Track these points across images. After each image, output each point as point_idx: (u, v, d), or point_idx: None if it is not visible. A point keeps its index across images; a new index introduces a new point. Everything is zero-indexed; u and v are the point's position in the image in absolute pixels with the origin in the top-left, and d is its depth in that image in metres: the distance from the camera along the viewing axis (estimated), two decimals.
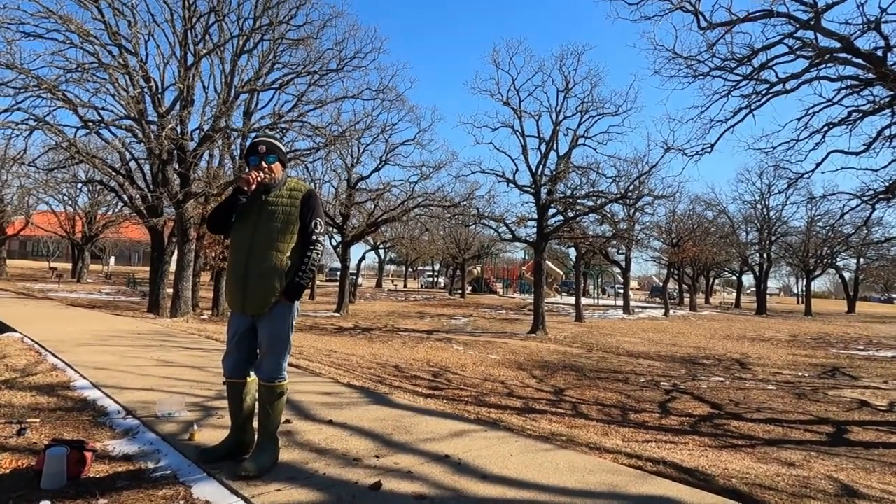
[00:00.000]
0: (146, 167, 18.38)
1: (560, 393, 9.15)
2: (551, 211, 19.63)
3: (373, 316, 23.17)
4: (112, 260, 46.99)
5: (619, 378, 11.10)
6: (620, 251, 30.62)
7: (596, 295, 45.58)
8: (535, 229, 19.67)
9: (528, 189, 19.57)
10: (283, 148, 3.28)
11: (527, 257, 46.37)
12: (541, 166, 19.22)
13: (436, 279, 56.88)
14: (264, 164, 3.09)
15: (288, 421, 3.96)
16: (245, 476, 2.87)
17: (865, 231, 28.98)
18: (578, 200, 19.92)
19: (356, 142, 21.90)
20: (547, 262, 30.47)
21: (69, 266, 38.42)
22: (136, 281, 30.43)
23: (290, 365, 7.00)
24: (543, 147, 19.45)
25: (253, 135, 15.35)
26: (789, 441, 6.97)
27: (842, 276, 45.58)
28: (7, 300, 15.53)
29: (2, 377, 5.32)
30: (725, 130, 10.57)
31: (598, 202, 19.83)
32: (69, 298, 19.54)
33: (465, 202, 23.88)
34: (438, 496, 2.77)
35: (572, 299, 29.34)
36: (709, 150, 10.89)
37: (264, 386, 3.06)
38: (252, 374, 3.17)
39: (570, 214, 20.19)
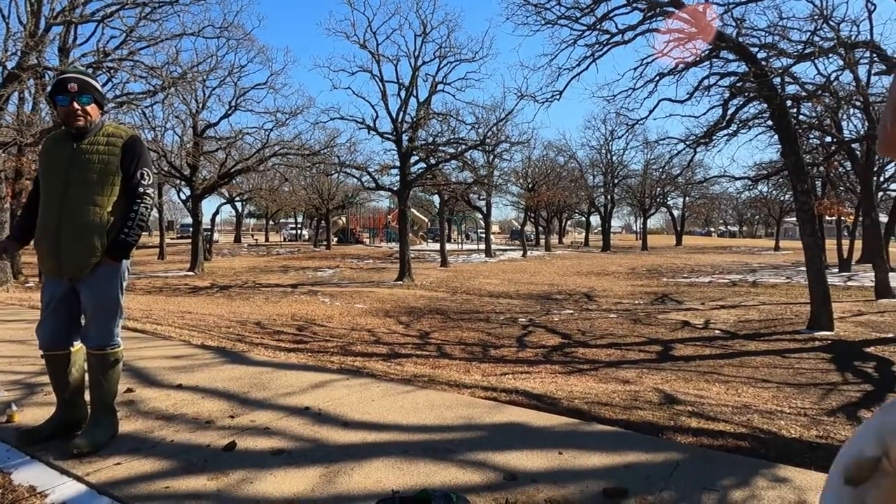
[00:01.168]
0: None
1: (425, 336, 9.42)
2: (413, 158, 19.67)
3: (232, 273, 22.00)
4: None
5: (481, 318, 11.67)
6: (481, 197, 31.74)
7: (460, 240, 47.14)
8: (398, 177, 19.66)
9: (390, 136, 19.38)
10: (98, 86, 2.81)
11: (392, 206, 46.43)
12: (401, 113, 19.06)
13: (299, 231, 55.15)
14: (76, 104, 2.66)
15: (130, 390, 3.65)
16: (78, 454, 2.61)
17: (690, 172, 32.59)
18: (440, 147, 20.15)
19: (200, 85, 20.10)
20: (411, 209, 30.74)
21: None
22: None
23: (136, 330, 6.46)
24: (403, 93, 19.25)
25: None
26: (626, 361, 7.84)
27: (671, 214, 51.27)
28: None
29: None
30: (572, 78, 11.17)
31: (459, 149, 20.21)
32: None
33: (325, 150, 23.11)
34: (297, 448, 2.73)
35: (437, 246, 30.05)
36: (558, 97, 11.45)
37: (94, 355, 2.77)
38: (76, 343, 2.85)
39: (432, 161, 20.39)
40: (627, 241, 60.34)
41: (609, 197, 41.81)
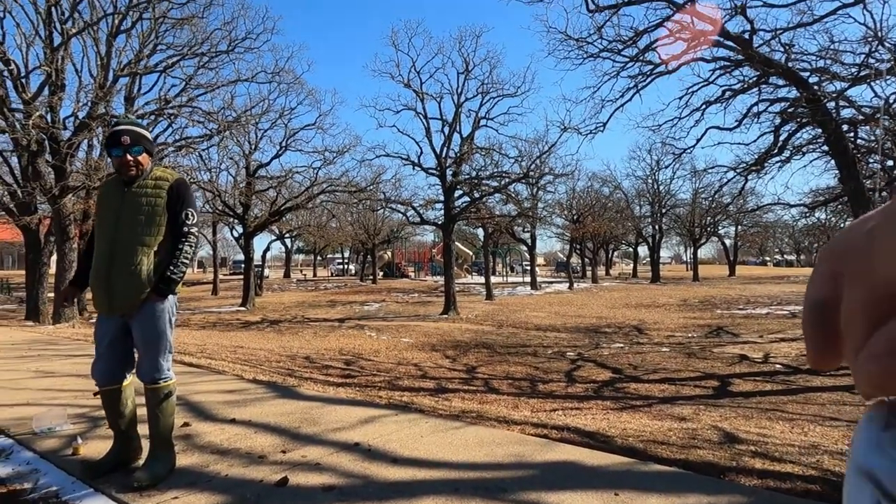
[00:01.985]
0: (14, 160, 16.63)
1: (472, 371, 9.34)
2: (457, 192, 19.87)
3: (281, 308, 22.49)
4: None
5: (528, 352, 11.50)
6: (526, 229, 31.64)
7: (505, 273, 46.92)
8: (442, 211, 19.85)
9: (434, 171, 19.67)
10: (148, 136, 3.01)
11: (436, 239, 46.78)
12: (445, 148, 19.36)
13: (346, 266, 56.09)
14: (129, 156, 2.85)
15: (186, 424, 3.75)
16: (138, 487, 2.68)
17: (741, 201, 31.69)
18: (483, 181, 20.30)
19: (253, 127, 20.99)
20: (456, 243, 30.89)
21: None
22: (10, 286, 27.64)
23: (191, 365, 6.65)
24: (447, 129, 19.59)
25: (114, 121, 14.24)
26: (681, 397, 7.54)
27: (723, 243, 49.80)
28: None
29: None
30: (616, 109, 11.13)
31: (502, 182, 20.31)
32: None
33: (371, 187, 23.63)
34: (347, 485, 2.73)
35: (482, 279, 30.00)
36: (601, 128, 11.42)
37: (149, 389, 2.87)
38: (128, 377, 2.98)
39: (476, 195, 20.54)
40: (677, 272, 58.78)
41: (657, 227, 40.99)
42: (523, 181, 21.33)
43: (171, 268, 2.82)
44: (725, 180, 14.70)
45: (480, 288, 28.96)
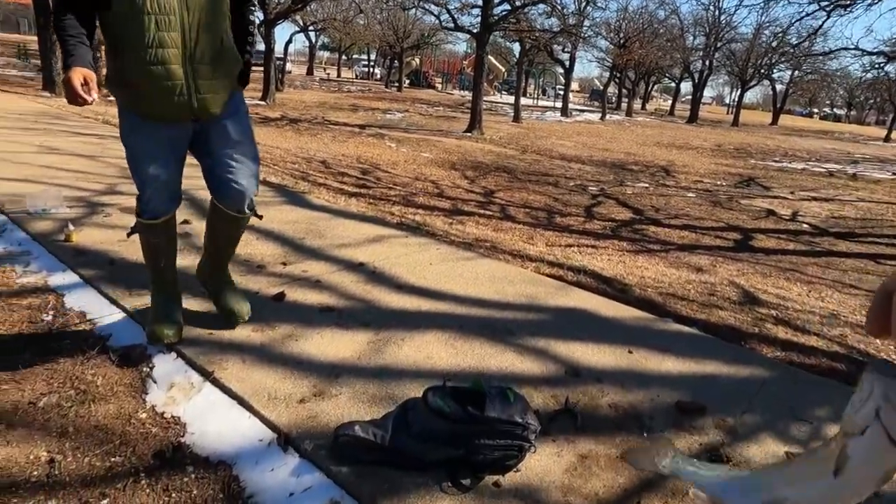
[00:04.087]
0: None
1: (490, 195, 9.10)
2: None
3: (302, 106, 21.78)
4: None
5: (549, 181, 11.16)
6: (566, 49, 29.25)
7: (536, 95, 44.66)
8: (479, 18, 18.07)
9: None
10: None
11: (469, 51, 43.80)
12: None
13: (372, 69, 53.57)
14: None
15: (186, 221, 3.57)
16: (239, 321, 2.30)
17: (807, 43, 28.69)
18: None
19: None
20: (489, 56, 28.84)
21: None
22: (27, 52, 26.70)
23: None
24: None
25: None
26: (700, 246, 7.34)
27: (773, 88, 46.34)
28: None
29: None
30: None
31: None
32: None
33: None
34: (347, 308, 2.58)
35: (512, 98, 28.55)
36: None
37: (239, 217, 2.17)
38: None
39: (518, 3, 18.52)
40: (717, 114, 55.87)
41: (707, 62, 37.84)
42: None
43: (248, 47, 2.09)
44: (802, 14, 12.93)
45: (508, 108, 27.72)
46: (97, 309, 2.41)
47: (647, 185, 12.11)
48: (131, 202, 2.17)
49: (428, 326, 2.47)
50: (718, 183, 13.46)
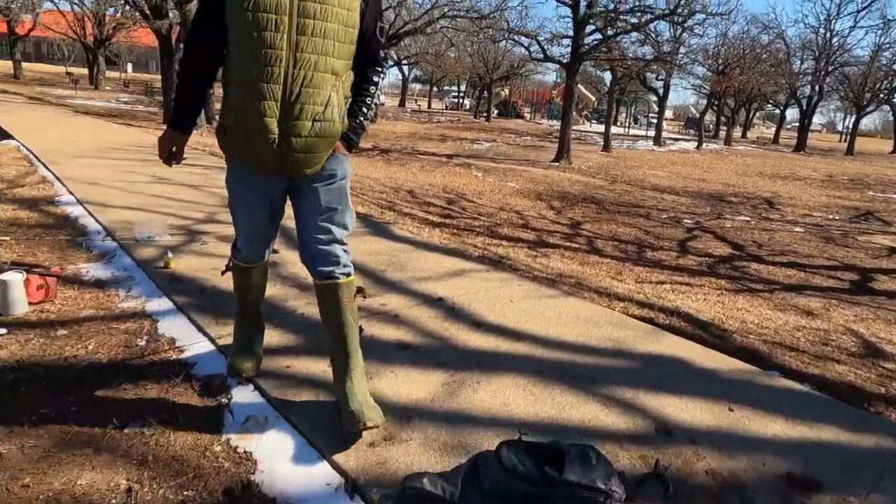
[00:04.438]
0: None
1: (577, 226, 8.86)
2: (589, 28, 17.73)
3: (393, 137, 22.49)
4: (129, 67, 45.48)
5: (640, 213, 10.72)
6: (659, 77, 28.44)
7: (627, 124, 43.62)
8: (569, 48, 17.97)
9: (566, 0, 17.49)
10: None
11: (559, 80, 43.71)
12: None
13: (461, 100, 54.65)
14: None
15: (275, 251, 3.68)
16: (368, 427, 1.82)
17: None
18: (621, 16, 17.87)
19: None
20: (579, 86, 28.60)
21: (86, 72, 37.25)
22: (152, 90, 29.54)
23: None
24: None
25: None
26: (809, 287, 6.72)
27: (895, 114, 42.52)
28: (17, 106, 15.12)
29: None
30: None
31: (643, 19, 17.78)
32: (85, 106, 19.05)
33: (495, 14, 21.74)
34: (423, 345, 2.52)
35: (602, 127, 28.05)
36: None
37: (333, 285, 1.92)
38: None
39: (610, 32, 18.26)
40: (828, 142, 52.02)
41: (817, 88, 35.43)
42: (668, 19, 18.56)
43: (364, 109, 1.92)
44: None
45: (598, 137, 27.21)
46: (186, 336, 2.50)
47: (748, 218, 11.35)
48: (228, 231, 2.24)
49: (506, 369, 2.36)
50: (831, 217, 12.39)
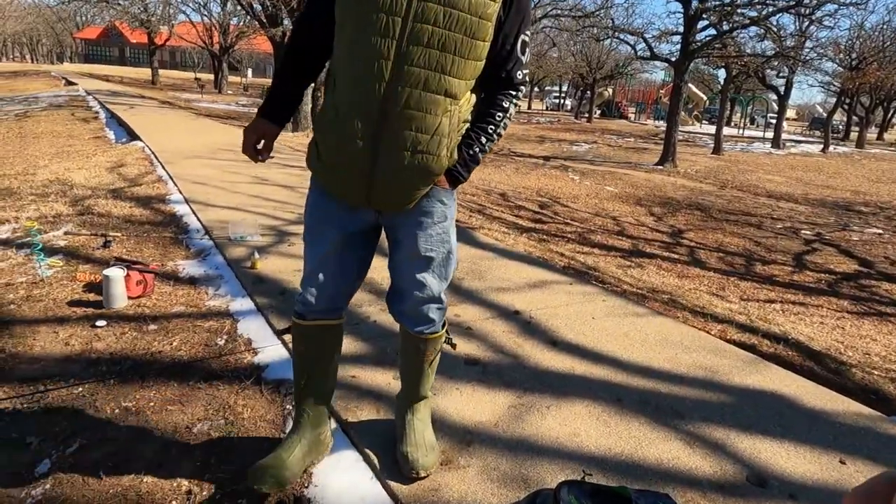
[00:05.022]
0: None
1: (678, 235, 8.32)
2: (701, 23, 16.67)
3: None
4: (249, 72, 48.86)
5: (751, 222, 9.91)
6: (781, 73, 26.26)
7: (742, 124, 40.73)
8: (679, 45, 17.02)
9: None
10: None
11: (667, 79, 41.64)
12: None
13: (562, 101, 53.57)
14: None
15: None
16: (419, 477, 1.69)
17: None
18: (738, 9, 16.62)
19: None
20: (689, 84, 27.06)
21: (212, 77, 40.48)
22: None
23: None
24: None
25: None
26: None
27: None
28: (148, 109, 16.63)
29: (112, 186, 5.59)
30: None
31: (764, 12, 16.44)
32: (208, 109, 20.63)
33: (599, 12, 21.04)
34: (493, 362, 2.41)
35: (713, 128, 26.35)
36: None
37: (420, 339, 1.69)
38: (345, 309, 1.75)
39: (725, 27, 17.06)
40: None
41: None
42: (793, 11, 17.04)
43: (483, 139, 1.52)
44: None
45: (708, 139, 25.61)
46: (262, 338, 2.55)
47: (880, 230, 10.16)
48: None
49: (579, 394, 2.19)
50: None
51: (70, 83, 25.62)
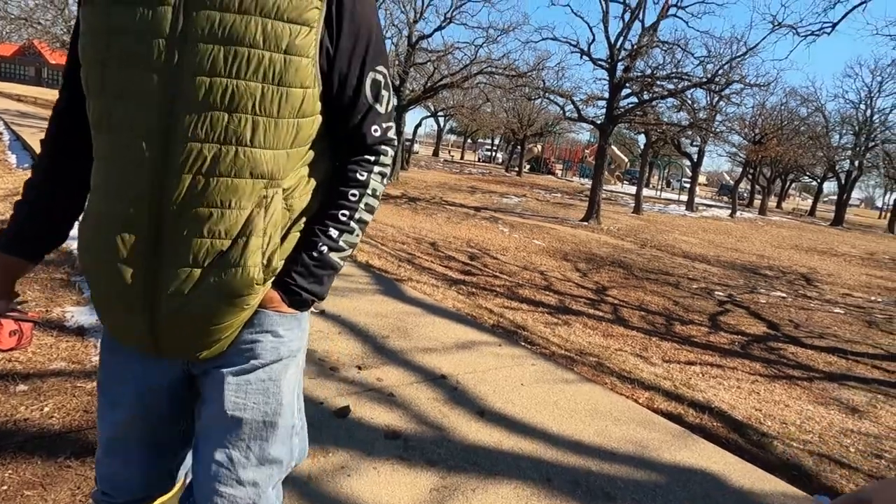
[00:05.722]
0: None
1: (602, 292, 8.50)
2: (625, 91, 17.76)
3: (423, 186, 22.59)
4: None
5: (669, 281, 10.31)
6: (694, 142, 28.29)
7: (659, 187, 43.38)
8: (604, 110, 18.00)
9: (603, 63, 17.61)
10: None
11: (592, 140, 43.94)
12: (621, 38, 17.09)
13: (494, 154, 55.27)
14: None
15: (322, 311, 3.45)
16: None
17: None
18: (657, 82, 17.87)
19: None
20: (612, 146, 28.60)
21: None
22: None
23: None
24: (628, 15, 17.15)
25: None
26: (853, 378, 6.20)
27: None
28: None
29: (3, 216, 5.04)
30: (855, 7, 8.64)
31: (680, 86, 17.74)
32: None
33: (531, 73, 22.01)
34: (416, 435, 2.22)
35: (633, 189, 27.82)
36: (828, 30, 9.05)
37: None
38: (174, 485, 1.15)
39: (646, 97, 18.26)
40: (867, 219, 50.82)
41: (857, 163, 34.81)
42: (705, 87, 18.50)
43: (333, 231, 1.01)
44: None
45: (629, 199, 26.95)
46: None
47: (783, 294, 10.83)
48: None
49: (507, 474, 2.03)
50: (873, 299, 11.76)
51: None
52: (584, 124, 22.64)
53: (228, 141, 0.88)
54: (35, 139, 11.84)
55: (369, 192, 1.04)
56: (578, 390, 2.86)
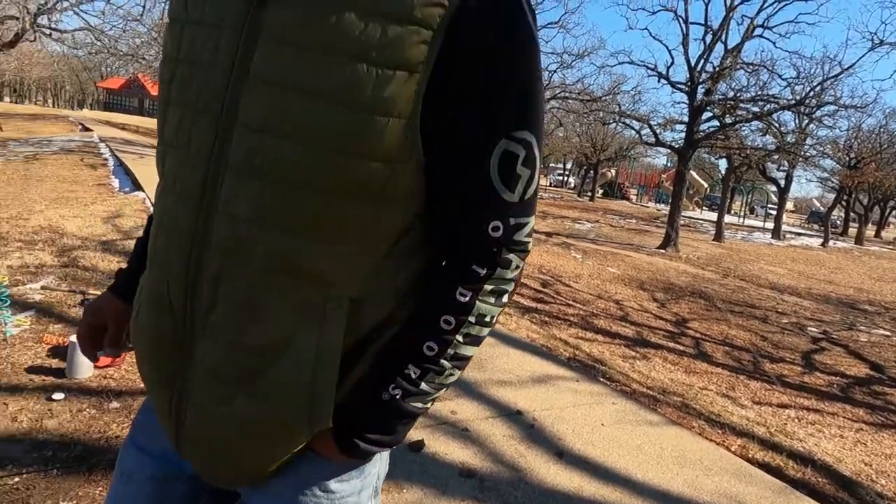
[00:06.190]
0: None
1: (682, 324, 8.09)
2: (706, 115, 17.12)
3: None
4: None
5: (755, 315, 9.69)
6: (781, 167, 26.83)
7: (742, 213, 41.32)
8: (683, 134, 17.40)
9: (683, 87, 17.09)
10: None
11: (669, 164, 42.61)
12: (702, 60, 16.54)
13: (566, 178, 54.67)
14: None
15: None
16: None
17: None
18: (741, 105, 17.11)
19: None
20: (691, 172, 27.58)
21: None
22: None
23: None
24: (709, 37, 16.60)
25: None
26: None
27: None
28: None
29: (104, 237, 5.41)
30: None
31: (766, 108, 16.91)
32: None
33: (606, 97, 21.71)
34: (491, 475, 2.13)
35: (713, 215, 26.62)
36: None
37: None
38: None
39: (728, 120, 17.52)
40: None
41: None
42: (794, 110, 17.54)
43: (413, 370, 0.68)
44: None
45: (710, 226, 25.80)
46: None
47: (887, 332, 9.92)
48: None
49: None
50: None
51: (86, 129, 26.07)
52: (661, 149, 21.97)
53: (273, 227, 0.64)
54: (136, 165, 12.76)
55: (473, 319, 0.68)
56: (663, 434, 2.68)
